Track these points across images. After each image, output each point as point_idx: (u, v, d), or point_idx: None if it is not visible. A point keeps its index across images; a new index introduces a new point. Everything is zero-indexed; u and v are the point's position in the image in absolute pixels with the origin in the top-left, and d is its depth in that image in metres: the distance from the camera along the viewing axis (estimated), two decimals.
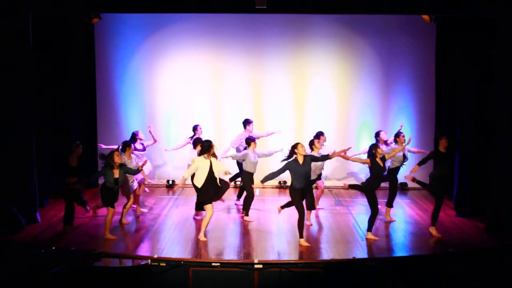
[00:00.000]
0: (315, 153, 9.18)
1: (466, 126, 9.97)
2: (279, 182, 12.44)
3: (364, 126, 12.66)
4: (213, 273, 7.46)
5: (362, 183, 9.52)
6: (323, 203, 10.80)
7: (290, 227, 9.25)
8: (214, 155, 8.58)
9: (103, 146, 10.62)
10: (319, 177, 9.91)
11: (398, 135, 9.80)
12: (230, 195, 11.11)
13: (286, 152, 8.51)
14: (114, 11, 11.21)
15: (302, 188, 8.37)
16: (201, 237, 8.47)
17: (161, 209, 10.51)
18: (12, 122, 9.15)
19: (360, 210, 10.60)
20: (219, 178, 8.58)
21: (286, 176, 9.71)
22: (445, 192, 9.36)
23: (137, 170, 9.01)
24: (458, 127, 10.46)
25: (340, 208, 10.61)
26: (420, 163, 9.14)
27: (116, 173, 8.55)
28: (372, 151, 8.65)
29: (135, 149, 10.09)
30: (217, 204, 10.84)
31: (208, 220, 8.52)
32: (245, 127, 10.91)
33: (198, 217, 9.73)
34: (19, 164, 9.20)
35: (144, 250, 8.03)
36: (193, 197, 11.18)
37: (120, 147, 9.50)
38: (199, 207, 9.20)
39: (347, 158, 8.82)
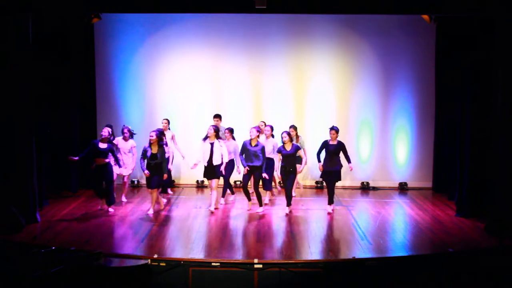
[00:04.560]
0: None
1: (466, 126, 9.96)
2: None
3: (364, 126, 12.68)
4: (213, 273, 7.45)
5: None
6: (323, 203, 10.81)
7: (290, 227, 9.26)
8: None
9: None
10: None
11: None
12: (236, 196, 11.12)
13: None
14: (114, 11, 11.20)
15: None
16: None
17: (161, 209, 10.49)
18: (12, 122, 9.14)
19: (360, 210, 10.61)
20: None
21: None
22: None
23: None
24: (458, 127, 10.46)
25: (340, 208, 10.60)
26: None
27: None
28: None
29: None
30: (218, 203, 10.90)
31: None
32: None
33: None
34: (19, 164, 9.18)
35: (144, 250, 8.03)
36: (194, 197, 11.21)
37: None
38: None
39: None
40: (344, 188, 12.52)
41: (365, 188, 12.54)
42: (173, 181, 12.15)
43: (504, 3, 8.85)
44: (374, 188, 12.51)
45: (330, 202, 10.26)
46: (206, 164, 10.09)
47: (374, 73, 12.57)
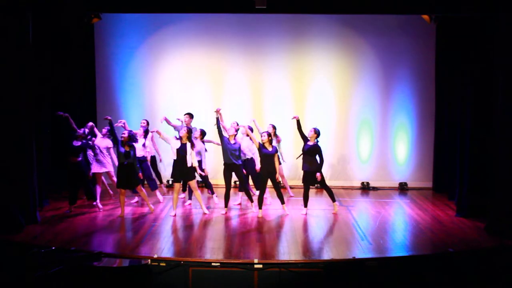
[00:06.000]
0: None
1: (466, 126, 9.96)
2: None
3: (364, 126, 12.68)
4: (213, 273, 7.45)
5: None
6: (324, 203, 10.82)
7: (290, 227, 9.26)
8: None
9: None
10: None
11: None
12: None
13: None
14: (114, 11, 11.22)
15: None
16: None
17: (161, 209, 10.51)
18: (12, 122, 9.14)
19: (360, 210, 10.62)
20: None
21: None
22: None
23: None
24: (458, 127, 10.46)
25: (340, 208, 10.60)
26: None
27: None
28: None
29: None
30: (218, 203, 10.88)
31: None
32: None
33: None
34: (19, 164, 9.19)
35: (144, 250, 8.03)
36: (193, 197, 11.20)
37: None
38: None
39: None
40: (344, 188, 12.53)
41: (365, 188, 12.54)
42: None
43: (504, 3, 8.84)
44: (374, 188, 12.52)
45: (305, 204, 10.18)
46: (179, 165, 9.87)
47: (374, 73, 12.58)
